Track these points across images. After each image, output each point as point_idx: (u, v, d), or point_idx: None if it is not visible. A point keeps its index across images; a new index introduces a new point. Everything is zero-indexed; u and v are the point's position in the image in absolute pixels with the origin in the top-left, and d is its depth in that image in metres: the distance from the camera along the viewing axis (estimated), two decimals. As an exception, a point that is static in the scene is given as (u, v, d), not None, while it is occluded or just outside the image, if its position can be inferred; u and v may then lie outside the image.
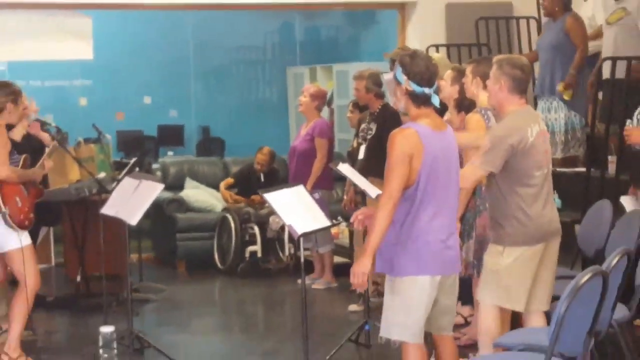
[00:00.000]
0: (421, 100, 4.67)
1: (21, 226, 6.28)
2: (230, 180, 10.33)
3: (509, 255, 5.13)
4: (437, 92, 4.73)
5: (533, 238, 5.15)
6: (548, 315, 5.26)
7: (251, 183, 9.97)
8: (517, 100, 5.24)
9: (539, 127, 5.24)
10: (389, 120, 7.73)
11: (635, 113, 6.72)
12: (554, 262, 5.30)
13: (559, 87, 8.17)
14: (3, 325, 6.87)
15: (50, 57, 10.83)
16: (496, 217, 5.20)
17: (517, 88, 5.23)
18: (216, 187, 10.56)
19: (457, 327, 6.56)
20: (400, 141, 4.59)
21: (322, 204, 8.08)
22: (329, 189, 8.93)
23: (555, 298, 4.99)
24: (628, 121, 6.73)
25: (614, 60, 7.74)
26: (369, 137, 8.01)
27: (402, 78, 4.67)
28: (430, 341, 4.91)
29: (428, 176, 4.59)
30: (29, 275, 6.34)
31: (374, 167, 7.58)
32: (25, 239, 6.34)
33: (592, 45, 8.52)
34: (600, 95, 8.11)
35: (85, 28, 10.34)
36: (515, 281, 5.15)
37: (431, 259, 4.64)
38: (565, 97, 8.33)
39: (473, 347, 6.03)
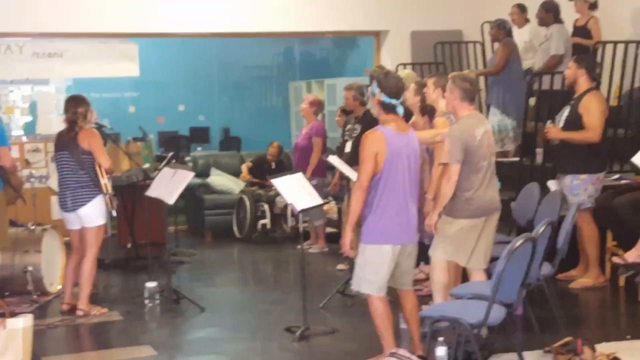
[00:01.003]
0: (389, 109, 4.69)
1: (113, 206, 6.38)
2: (249, 164, 10.36)
3: (456, 225, 5.14)
4: (402, 103, 4.75)
5: (476, 213, 5.15)
6: (488, 273, 5.28)
7: (264, 169, 9.99)
8: (467, 107, 5.24)
9: (484, 127, 5.24)
10: (370, 122, 7.70)
11: (557, 116, 6.73)
12: (493, 231, 5.30)
13: None
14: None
15: (106, 74, 10.77)
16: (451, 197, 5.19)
17: (467, 97, 5.22)
18: (235, 174, 10.59)
19: (420, 281, 6.58)
20: (369, 142, 4.64)
21: (319, 188, 8.07)
22: (323, 177, 8.92)
23: (495, 258, 4.99)
24: (549, 121, 6.74)
25: (540, 74, 7.75)
26: (354, 135, 7.99)
27: (377, 91, 4.68)
28: (395, 294, 4.93)
29: (390, 167, 4.60)
30: (99, 246, 6.43)
31: (358, 158, 7.56)
32: (106, 217, 6.40)
33: (530, 63, 8.52)
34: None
35: (133, 52, 10.30)
36: (460, 244, 5.15)
37: (393, 232, 4.65)
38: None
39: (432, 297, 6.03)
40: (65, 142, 6.32)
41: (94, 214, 6.26)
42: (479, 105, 9.50)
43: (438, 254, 5.21)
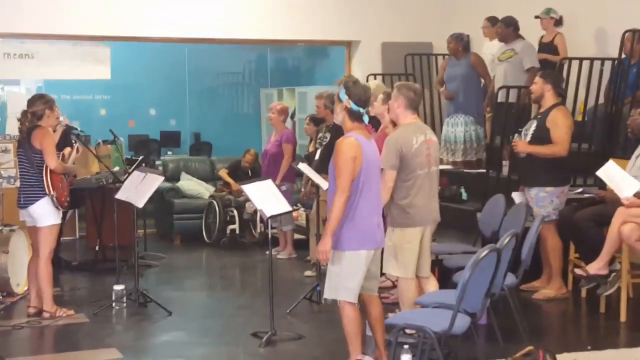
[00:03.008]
0: (355, 117, 4.70)
1: (62, 206, 6.30)
2: (226, 170, 10.29)
3: (396, 234, 5.16)
4: (367, 112, 4.76)
5: (413, 222, 5.18)
6: (453, 282, 5.31)
7: (240, 176, 9.95)
8: (410, 115, 5.29)
9: (424, 137, 5.27)
10: (339, 131, 7.68)
11: (523, 129, 6.80)
12: (429, 241, 5.34)
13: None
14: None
15: (77, 77, 10.69)
16: (388, 205, 5.21)
17: (410, 106, 5.28)
18: (205, 179, 10.56)
19: (386, 289, 6.60)
20: (347, 147, 4.60)
21: (288, 194, 8.06)
22: (292, 182, 8.92)
23: (460, 268, 5.03)
24: (516, 135, 6.81)
25: (508, 88, 7.82)
26: (324, 143, 8.00)
27: (345, 98, 4.69)
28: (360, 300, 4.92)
29: (365, 173, 4.60)
30: (53, 247, 6.33)
31: (327, 166, 7.55)
32: (58, 218, 6.30)
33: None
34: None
35: (105, 55, 10.23)
36: (403, 254, 5.18)
37: (368, 236, 4.64)
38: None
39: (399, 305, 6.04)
40: (22, 140, 6.33)
41: (42, 213, 6.20)
42: (440, 116, 9.59)
43: (390, 269, 5.24)
